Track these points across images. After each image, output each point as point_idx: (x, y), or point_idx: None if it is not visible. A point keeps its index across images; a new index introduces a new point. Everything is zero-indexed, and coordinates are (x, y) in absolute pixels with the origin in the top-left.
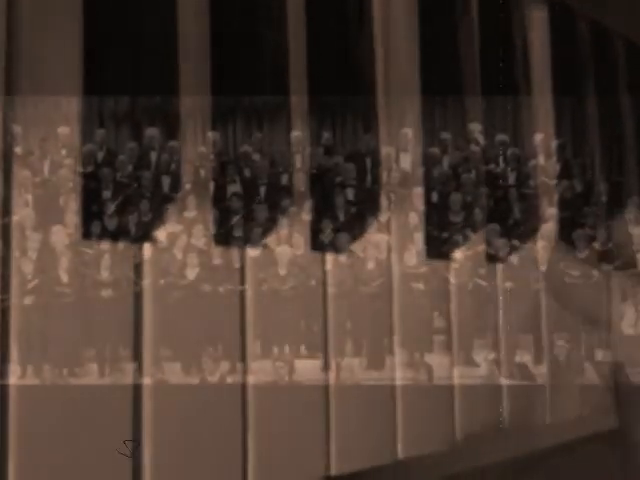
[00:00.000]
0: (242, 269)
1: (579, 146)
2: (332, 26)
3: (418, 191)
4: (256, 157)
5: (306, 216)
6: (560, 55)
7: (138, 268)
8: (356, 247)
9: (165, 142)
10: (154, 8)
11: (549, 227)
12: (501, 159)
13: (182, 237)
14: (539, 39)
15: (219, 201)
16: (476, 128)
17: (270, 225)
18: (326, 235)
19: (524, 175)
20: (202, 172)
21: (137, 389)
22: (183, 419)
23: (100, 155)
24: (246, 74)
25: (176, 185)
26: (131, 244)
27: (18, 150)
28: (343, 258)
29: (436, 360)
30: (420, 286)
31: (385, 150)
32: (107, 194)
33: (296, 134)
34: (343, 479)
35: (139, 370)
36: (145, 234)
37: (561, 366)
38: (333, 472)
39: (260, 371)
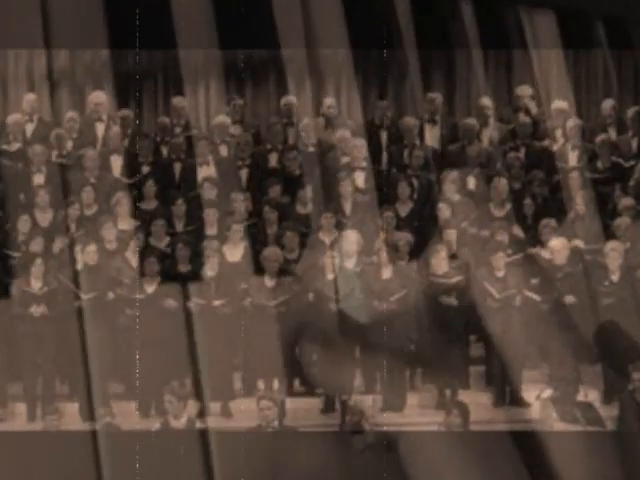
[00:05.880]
0: (217, 278)
1: None
2: None
3: (450, 175)
4: (236, 130)
5: (302, 208)
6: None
7: (80, 277)
8: (368, 249)
9: (116, 110)
10: None
11: (623, 222)
12: (559, 133)
13: (138, 236)
14: None
15: (187, 188)
16: (526, 92)
17: (254, 220)
18: (328, 233)
19: (589, 154)
20: (164, 150)
21: (80, 436)
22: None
23: (30, 128)
24: (224, 23)
25: (130, 167)
26: (71, 245)
27: None
28: (351, 263)
29: (473, 398)
30: (452, 300)
31: (406, 121)
32: (39, 179)
33: (288, 100)
34: None
35: (81, 412)
36: (89, 232)
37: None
38: None
39: (241, 413)
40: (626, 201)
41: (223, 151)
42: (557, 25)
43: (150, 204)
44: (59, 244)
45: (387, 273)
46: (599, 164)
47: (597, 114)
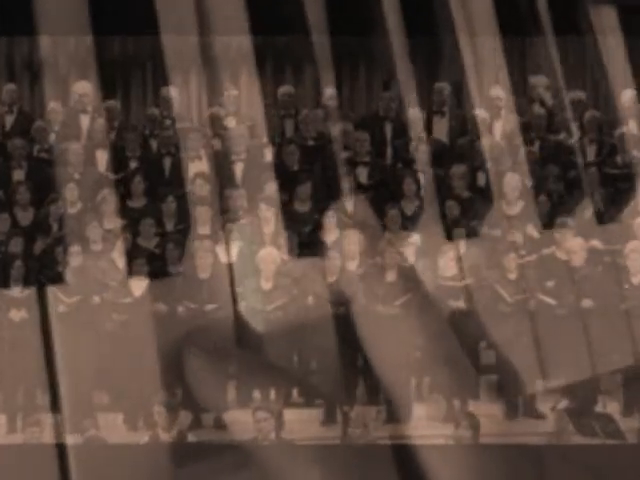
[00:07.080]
0: (209, 281)
1: None
2: None
3: (458, 170)
4: (230, 122)
5: (300, 206)
6: None
7: (61, 279)
8: (371, 250)
9: (101, 101)
10: None
11: None
12: (576, 126)
13: (125, 236)
14: None
15: (177, 185)
16: (540, 82)
17: (249, 218)
18: (329, 232)
19: (608, 148)
20: (153, 144)
21: (60, 450)
22: None
23: (9, 120)
24: (214, 4)
25: (117, 162)
26: (52, 246)
27: None
28: (352, 265)
29: (484, 410)
30: (460, 304)
31: (413, 113)
32: (19, 175)
33: (285, 90)
34: None
35: (63, 424)
36: (72, 232)
37: None
38: None
39: (235, 424)
40: None
41: (216, 145)
42: (575, 8)
43: (138, 201)
44: (40, 244)
45: (391, 275)
46: (619, 159)
47: (617, 105)
